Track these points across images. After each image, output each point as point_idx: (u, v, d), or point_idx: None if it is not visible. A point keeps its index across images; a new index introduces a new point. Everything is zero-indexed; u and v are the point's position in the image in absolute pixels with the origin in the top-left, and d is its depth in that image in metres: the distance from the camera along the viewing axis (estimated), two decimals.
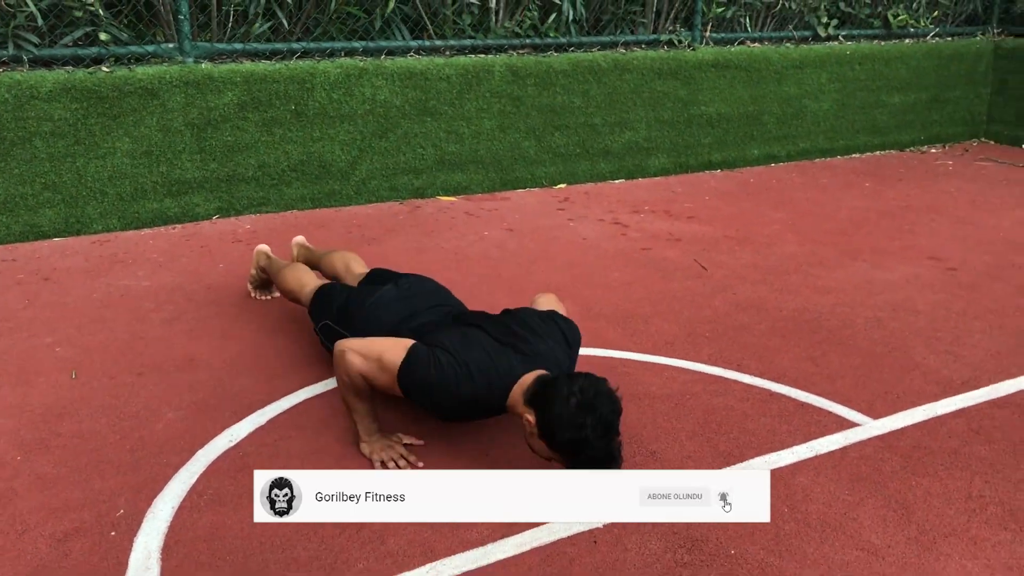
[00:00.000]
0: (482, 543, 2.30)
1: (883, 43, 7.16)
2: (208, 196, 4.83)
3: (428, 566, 2.21)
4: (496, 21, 5.59)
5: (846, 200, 5.76)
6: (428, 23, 5.43)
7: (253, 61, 4.92)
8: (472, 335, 2.62)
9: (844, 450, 2.78)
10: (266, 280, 3.80)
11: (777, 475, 2.64)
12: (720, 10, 6.33)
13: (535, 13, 5.67)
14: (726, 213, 5.38)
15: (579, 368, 3.04)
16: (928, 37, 7.47)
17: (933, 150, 7.44)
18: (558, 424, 2.32)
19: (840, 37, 7.01)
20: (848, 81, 6.91)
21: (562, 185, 5.84)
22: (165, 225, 4.76)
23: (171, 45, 4.74)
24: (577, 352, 2.76)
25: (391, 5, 5.22)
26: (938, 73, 7.38)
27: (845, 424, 2.93)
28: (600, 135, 5.92)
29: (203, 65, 4.73)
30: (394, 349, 2.56)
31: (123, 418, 2.86)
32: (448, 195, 5.47)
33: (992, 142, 7.73)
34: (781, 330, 3.67)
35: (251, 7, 4.90)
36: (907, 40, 7.35)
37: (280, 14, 4.98)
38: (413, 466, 2.62)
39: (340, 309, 3.01)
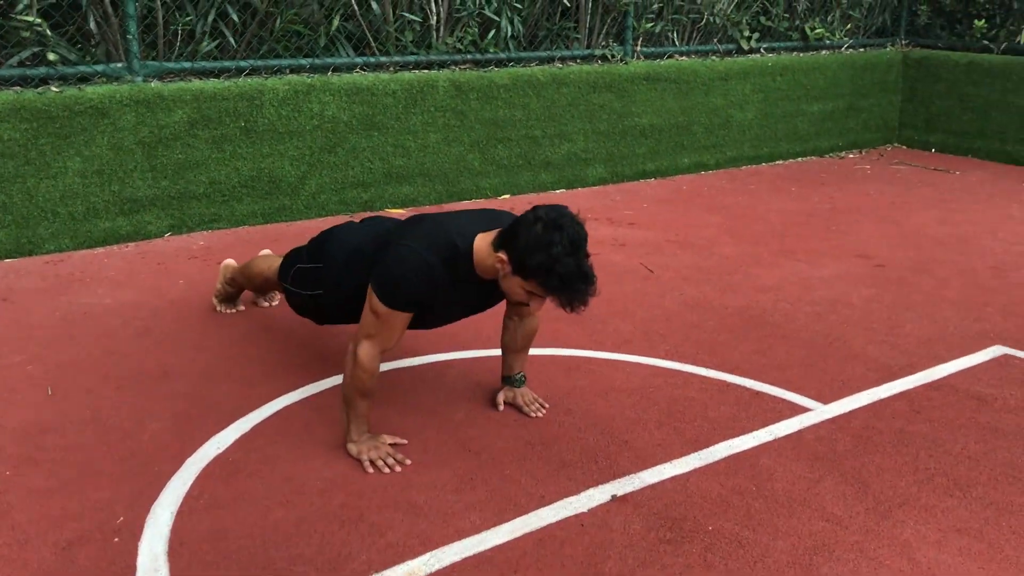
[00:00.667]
0: (476, 531, 2.42)
1: (801, 55, 7.51)
2: (160, 214, 4.85)
3: (428, 555, 2.32)
4: (437, 38, 5.73)
5: (775, 204, 6.04)
6: (371, 40, 5.54)
7: (201, 79, 4.97)
8: (420, 218, 2.77)
9: (800, 433, 2.98)
10: (232, 294, 3.86)
11: (742, 458, 2.82)
12: (649, 25, 6.58)
13: (475, 30, 5.82)
14: (664, 219, 5.60)
15: (543, 366, 3.20)
16: (843, 48, 7.86)
17: (851, 155, 7.81)
18: (528, 250, 2.46)
19: (762, 50, 7.33)
20: (770, 91, 7.23)
21: (506, 196, 6.00)
22: (118, 244, 4.76)
23: (120, 64, 4.76)
24: None
25: (336, 23, 5.32)
26: (853, 83, 7.76)
27: (798, 409, 3.14)
28: (541, 147, 6.09)
29: (152, 84, 4.76)
30: (370, 298, 2.67)
31: (108, 430, 2.91)
32: (397, 207, 5.58)
33: (904, 147, 8.15)
34: (729, 326, 3.88)
35: (198, 26, 4.94)
36: (823, 52, 7.72)
37: (227, 32, 5.04)
38: (401, 464, 2.73)
39: (309, 250, 3.13)
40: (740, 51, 7.23)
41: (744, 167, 7.22)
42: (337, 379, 3.28)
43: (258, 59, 5.17)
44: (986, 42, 7.70)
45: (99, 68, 4.70)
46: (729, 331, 3.82)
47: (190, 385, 3.22)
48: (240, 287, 3.81)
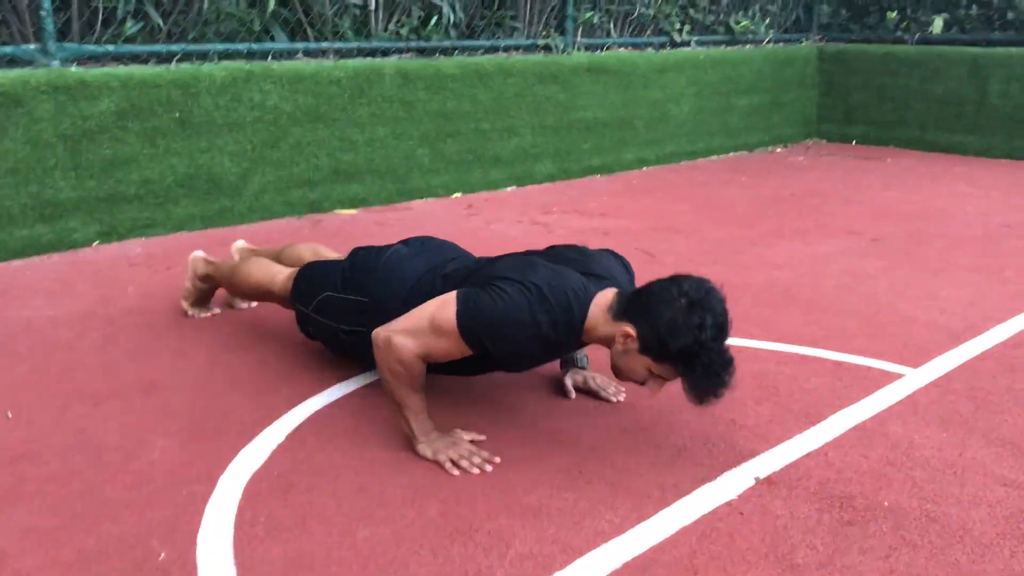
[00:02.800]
0: (619, 531, 1.96)
1: (728, 48, 7.38)
2: (87, 219, 4.16)
3: (577, 563, 1.85)
4: (376, 24, 5.25)
5: (733, 192, 5.81)
6: (307, 27, 5.00)
7: (126, 65, 4.32)
8: (530, 259, 2.31)
9: (911, 398, 2.66)
10: (206, 293, 3.26)
11: (868, 427, 2.47)
12: (588, 15, 6.29)
13: (414, 19, 5.37)
14: (633, 209, 5.26)
15: (588, 351, 2.77)
16: (764, 43, 7.79)
17: (778, 150, 7.73)
18: (670, 329, 2.04)
19: (692, 42, 7.16)
20: (704, 85, 7.05)
21: (458, 194, 5.54)
22: (39, 255, 4.04)
23: (33, 46, 4.07)
24: (634, 279, 2.47)
25: (271, 6, 4.77)
26: (775, 77, 7.69)
27: (892, 376, 2.82)
28: (490, 141, 5.67)
29: (73, 69, 4.09)
30: (442, 306, 2.20)
31: (101, 453, 2.30)
32: (346, 208, 5.04)
33: (824, 141, 8.13)
34: (765, 301, 3.55)
35: (120, 5, 4.30)
36: (748, 46, 7.62)
37: (153, 14, 4.41)
38: (491, 463, 2.24)
39: (344, 277, 2.58)
40: (673, 44, 7.03)
41: (682, 162, 7.00)
42: (366, 378, 2.75)
43: (190, 43, 4.56)
44: (899, 33, 7.78)
45: (8, 50, 4.00)
46: (768, 305, 3.49)
47: (187, 397, 2.62)
48: (215, 285, 3.22)
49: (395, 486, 2.14)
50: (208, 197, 4.54)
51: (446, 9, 5.47)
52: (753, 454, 2.31)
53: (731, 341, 3.06)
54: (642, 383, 2.19)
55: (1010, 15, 7.29)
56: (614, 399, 2.61)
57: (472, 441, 2.33)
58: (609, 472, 2.22)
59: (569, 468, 2.23)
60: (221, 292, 3.37)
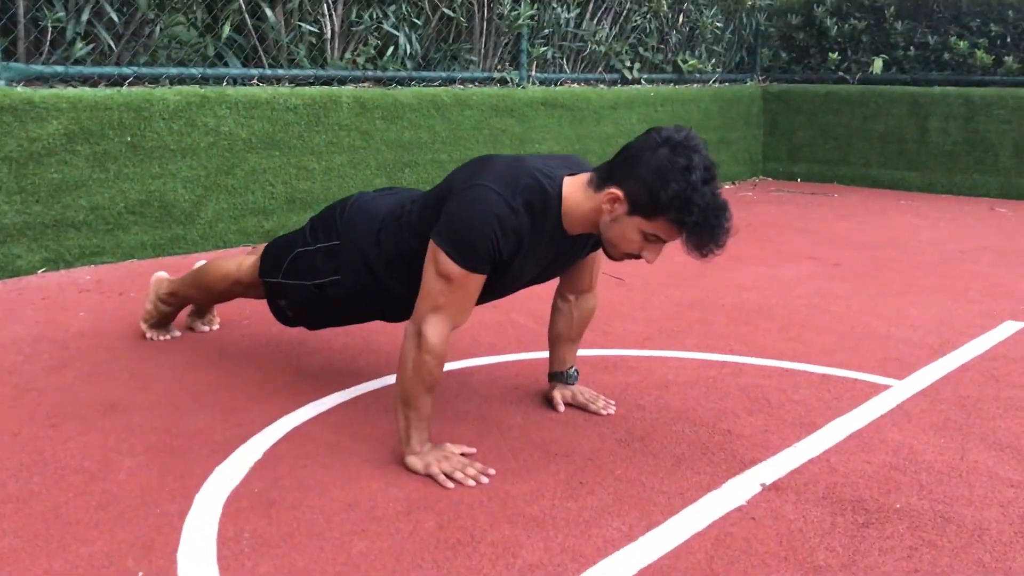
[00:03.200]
0: (630, 538, 1.86)
1: (678, 87, 7.46)
2: (32, 245, 3.96)
3: (591, 571, 1.74)
4: (332, 52, 5.17)
5: None
6: (263, 53, 4.90)
7: (76, 87, 4.16)
8: (482, 159, 2.22)
9: (902, 407, 2.62)
10: (167, 316, 3.10)
11: (865, 435, 2.41)
12: (542, 50, 6.30)
13: (371, 47, 5.30)
14: None
15: (579, 363, 2.69)
16: (711, 83, 7.90)
17: (727, 186, 7.80)
18: (658, 176, 1.95)
19: (642, 80, 7.22)
20: (654, 122, 7.10)
21: None
22: None
23: None
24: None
25: (227, 30, 4.66)
26: (722, 116, 7.79)
27: (879, 387, 2.79)
28: (447, 172, 5.58)
29: (19, 89, 3.92)
30: (435, 260, 2.09)
31: (63, 474, 2.12)
32: None
33: (770, 179, 8.24)
34: (739, 319, 3.51)
35: (69, 26, 4.15)
36: (696, 85, 7.72)
37: (104, 35, 4.27)
38: (484, 474, 2.12)
39: (312, 230, 2.50)
40: (625, 81, 7.08)
41: None
42: (342, 395, 2.63)
43: (143, 66, 4.42)
44: (841, 73, 7.96)
45: None
46: (743, 323, 3.45)
47: (151, 417, 2.46)
48: (178, 305, 3.07)
49: (387, 500, 2.01)
50: (160, 224, 4.37)
51: (402, 40, 5.42)
52: (754, 462, 2.23)
53: (713, 356, 3.04)
54: (637, 254, 2.10)
55: (946, 56, 7.50)
56: (604, 411, 2.51)
57: (463, 455, 2.21)
58: (610, 481, 2.12)
59: (568, 479, 2.13)
60: (182, 315, 3.21)
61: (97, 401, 2.56)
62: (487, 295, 2.23)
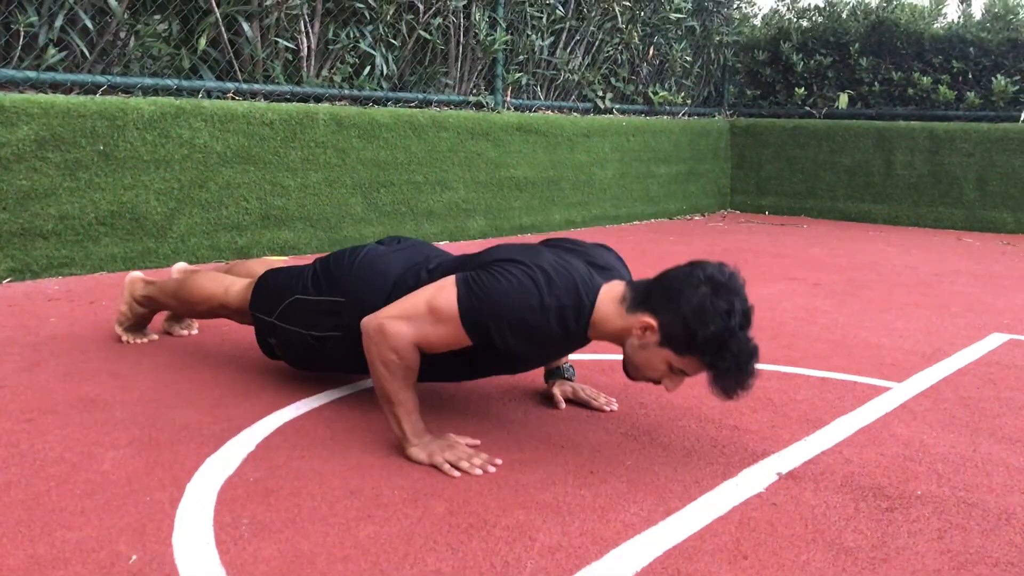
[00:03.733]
0: (650, 522, 1.78)
1: (649, 118, 7.51)
2: None
3: (615, 552, 1.65)
4: (308, 70, 5.11)
5: (665, 248, 5.80)
6: (238, 69, 4.83)
7: (48, 93, 4.05)
8: (531, 245, 2.14)
9: (904, 406, 2.58)
10: (143, 318, 2.97)
11: (873, 430, 2.37)
12: (517, 75, 6.30)
13: (348, 66, 5.26)
14: None
15: (576, 367, 2.62)
16: (681, 115, 7.97)
17: (696, 218, 7.83)
18: (698, 317, 1.88)
19: (614, 110, 7.25)
20: (626, 151, 7.12)
21: None
22: None
23: None
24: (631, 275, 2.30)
25: (203, 43, 4.59)
26: (692, 148, 7.85)
27: (879, 388, 2.75)
28: (423, 194, 5.54)
29: None
30: (441, 290, 2.02)
31: (42, 465, 1.99)
32: (275, 255, 4.79)
33: (738, 211, 8.30)
34: None
35: (42, 32, 4.05)
36: (666, 117, 7.77)
37: (79, 43, 4.17)
38: (491, 463, 2.03)
39: (314, 278, 2.36)
40: (597, 110, 7.10)
41: (608, 225, 7.00)
42: (333, 393, 2.53)
43: (118, 75, 4.32)
44: (807, 108, 8.07)
45: None
46: None
47: (134, 412, 2.34)
48: (154, 309, 2.95)
49: (392, 488, 1.91)
50: (131, 237, 4.24)
51: (379, 60, 5.38)
52: (767, 454, 2.17)
53: None
54: (658, 381, 2.03)
55: (910, 91, 7.65)
56: (607, 408, 2.44)
57: (468, 446, 2.12)
58: (622, 471, 2.04)
59: (578, 469, 2.05)
60: (158, 318, 3.09)
61: (74, 397, 2.43)
62: (481, 368, 2.21)
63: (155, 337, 3.03)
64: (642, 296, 1.99)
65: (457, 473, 1.98)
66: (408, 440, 2.05)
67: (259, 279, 2.53)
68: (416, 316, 2.00)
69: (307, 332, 2.34)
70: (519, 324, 1.97)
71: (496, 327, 1.97)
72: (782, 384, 2.77)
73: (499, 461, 2.05)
